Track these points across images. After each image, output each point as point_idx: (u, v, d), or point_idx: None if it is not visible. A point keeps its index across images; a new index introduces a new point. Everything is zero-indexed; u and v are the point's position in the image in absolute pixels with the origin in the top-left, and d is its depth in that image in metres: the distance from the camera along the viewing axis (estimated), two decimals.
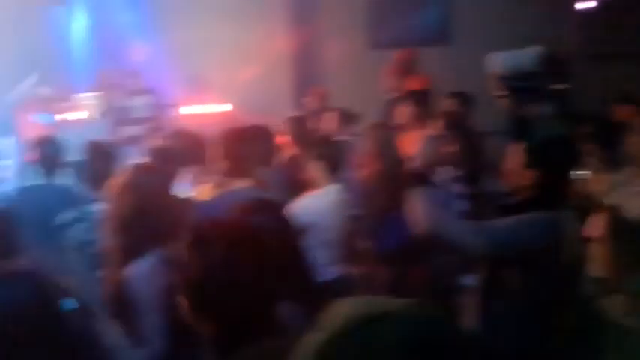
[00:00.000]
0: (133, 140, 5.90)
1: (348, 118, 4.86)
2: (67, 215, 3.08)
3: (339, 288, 2.89)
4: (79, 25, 7.82)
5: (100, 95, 6.81)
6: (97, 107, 6.71)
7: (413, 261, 3.53)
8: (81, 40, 7.79)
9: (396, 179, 3.42)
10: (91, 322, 2.05)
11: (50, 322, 1.27)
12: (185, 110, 7.04)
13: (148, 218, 2.08)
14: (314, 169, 3.15)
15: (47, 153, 3.79)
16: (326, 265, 2.86)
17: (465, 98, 5.00)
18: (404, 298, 0.76)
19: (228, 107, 7.20)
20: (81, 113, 6.60)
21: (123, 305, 2.02)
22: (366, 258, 3.69)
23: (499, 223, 2.28)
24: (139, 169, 2.24)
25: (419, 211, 2.24)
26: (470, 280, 2.88)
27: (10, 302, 1.22)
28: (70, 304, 1.34)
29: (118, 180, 2.19)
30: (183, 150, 3.09)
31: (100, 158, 3.33)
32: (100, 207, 2.97)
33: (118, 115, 6.66)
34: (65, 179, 3.84)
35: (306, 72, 7.67)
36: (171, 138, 3.28)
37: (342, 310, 0.71)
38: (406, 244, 3.21)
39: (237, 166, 2.74)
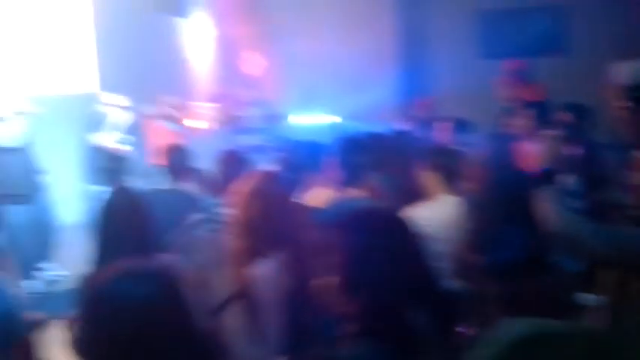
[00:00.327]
0: (249, 149, 6.17)
1: (461, 127, 4.81)
2: (193, 217, 3.28)
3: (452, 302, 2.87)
4: (199, 36, 8.29)
5: (218, 106, 7.19)
6: (214, 117, 7.09)
7: (526, 276, 3.42)
8: (201, 52, 8.26)
9: (508, 191, 3.35)
10: (215, 320, 2.19)
11: (182, 320, 1.30)
12: (297, 120, 7.25)
13: (271, 222, 2.18)
14: (429, 179, 3.15)
15: (175, 160, 4.07)
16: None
17: (581, 109, 4.80)
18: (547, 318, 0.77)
19: (337, 118, 7.34)
20: (200, 122, 6.99)
21: (246, 303, 2.14)
22: (477, 273, 3.62)
23: (627, 230, 2.18)
24: (264, 176, 2.36)
25: (546, 209, 2.18)
26: (591, 299, 2.76)
27: (144, 298, 1.25)
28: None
29: (243, 186, 2.32)
30: (303, 159, 3.21)
31: (231, 165, 3.51)
32: (225, 211, 3.16)
33: (234, 125, 7.00)
34: (189, 185, 4.11)
35: (415, 82, 7.66)
36: (291, 147, 3.42)
37: (511, 329, 0.73)
38: (520, 258, 3.12)
39: (352, 174, 2.81)
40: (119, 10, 7.21)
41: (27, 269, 5.06)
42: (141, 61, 7.24)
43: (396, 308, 1.43)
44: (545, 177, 2.52)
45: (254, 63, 8.17)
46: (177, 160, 4.01)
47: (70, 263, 5.19)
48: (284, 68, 7.90)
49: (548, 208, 2.18)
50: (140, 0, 7.18)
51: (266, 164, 3.73)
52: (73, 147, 6.57)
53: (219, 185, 3.41)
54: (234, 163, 3.49)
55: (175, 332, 1.26)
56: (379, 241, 1.45)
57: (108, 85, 7.10)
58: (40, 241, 5.28)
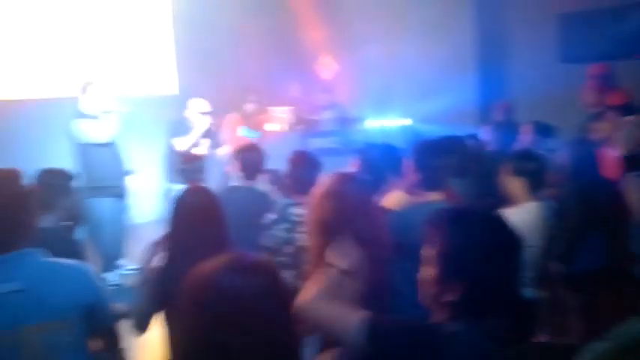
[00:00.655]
0: (323, 151, 6.21)
1: (543, 131, 4.66)
2: (268, 217, 3.33)
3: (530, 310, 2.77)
4: (275, 40, 8.40)
5: (293, 109, 7.28)
6: (289, 120, 7.19)
7: (607, 286, 3.24)
8: (277, 55, 8.37)
9: (590, 198, 3.20)
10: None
11: (282, 316, 1.31)
12: (371, 124, 7.24)
13: (347, 223, 2.18)
14: (512, 185, 3.06)
15: (249, 160, 4.14)
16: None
17: None
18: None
19: (411, 121, 7.28)
20: (276, 125, 7.10)
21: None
22: (557, 281, 3.49)
23: None
24: (341, 177, 2.35)
25: (634, 195, 2.08)
26: None
27: (250, 291, 1.26)
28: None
29: (320, 187, 2.33)
30: (379, 161, 3.19)
31: (303, 165, 3.54)
32: (299, 211, 3.18)
33: (308, 128, 7.08)
34: (263, 185, 4.17)
35: (493, 86, 7.48)
36: (367, 149, 3.40)
37: (634, 327, 0.70)
38: (600, 267, 2.98)
39: (430, 178, 2.76)
40: (197, 14, 7.44)
41: (106, 262, 5.30)
42: (219, 64, 7.44)
43: (493, 301, 1.47)
44: (630, 163, 2.39)
45: (330, 67, 8.23)
46: (252, 161, 4.07)
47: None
48: (360, 72, 7.91)
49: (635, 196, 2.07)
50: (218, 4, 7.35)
51: (341, 166, 3.74)
52: (155, 147, 6.84)
53: (291, 186, 3.44)
54: (305, 164, 3.51)
55: (274, 327, 1.27)
56: (481, 238, 1.50)
57: (186, 88, 7.35)
58: (119, 235, 5.52)
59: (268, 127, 7.01)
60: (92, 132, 5.27)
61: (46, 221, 2.77)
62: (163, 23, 7.91)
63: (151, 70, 7.78)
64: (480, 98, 7.47)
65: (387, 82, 7.70)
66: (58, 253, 2.01)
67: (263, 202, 3.78)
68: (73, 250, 2.74)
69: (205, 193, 2.64)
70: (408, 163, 2.92)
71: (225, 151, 5.87)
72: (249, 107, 6.55)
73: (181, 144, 5.83)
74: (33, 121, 6.24)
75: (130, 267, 5.38)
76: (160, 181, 6.63)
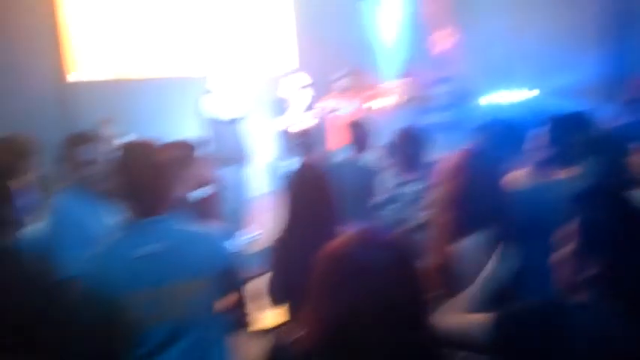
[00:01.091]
0: (437, 127, 6.09)
1: None
2: (379, 197, 3.31)
3: None
4: (387, 15, 8.32)
5: (406, 83, 7.17)
6: (402, 94, 7.09)
7: None
8: (389, 30, 8.28)
9: None
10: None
11: (414, 291, 1.29)
12: (490, 99, 6.98)
13: (475, 199, 2.13)
14: None
15: (358, 135, 4.14)
16: None
17: None
18: None
19: (533, 94, 6.93)
20: (387, 100, 7.04)
21: (447, 277, 2.11)
22: None
23: None
24: (468, 153, 2.30)
25: None
26: None
27: (386, 265, 1.25)
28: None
29: (447, 163, 2.29)
30: (503, 137, 3.07)
31: (411, 143, 3.48)
32: (412, 188, 3.14)
33: (421, 103, 6.95)
34: (372, 159, 4.15)
35: (623, 60, 6.93)
36: (491, 125, 3.28)
37: None
38: None
39: (564, 154, 2.62)
40: None
41: (230, 229, 5.56)
42: (335, 41, 7.47)
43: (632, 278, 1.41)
44: None
45: (448, 39, 7.99)
46: (360, 135, 4.07)
47: (265, 227, 5.62)
48: (480, 45, 7.62)
49: None
50: None
51: (456, 143, 3.64)
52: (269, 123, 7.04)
53: (399, 164, 3.40)
54: (412, 141, 3.44)
55: (406, 302, 1.25)
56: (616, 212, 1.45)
57: (305, 64, 7.46)
58: (242, 204, 5.79)
59: (380, 101, 6.96)
60: (218, 109, 5.59)
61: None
62: (284, 4, 8.04)
63: (271, 48, 7.96)
64: (608, 72, 6.96)
65: (510, 55, 7.36)
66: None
67: (369, 177, 3.77)
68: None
69: (315, 169, 2.67)
70: (538, 139, 2.78)
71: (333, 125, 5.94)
72: (346, 83, 6.50)
73: (281, 123, 5.99)
74: (162, 98, 6.64)
75: (250, 235, 5.60)
76: (273, 157, 6.81)
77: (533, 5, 7.25)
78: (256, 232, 5.70)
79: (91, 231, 2.32)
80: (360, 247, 1.27)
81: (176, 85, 6.91)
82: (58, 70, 6.61)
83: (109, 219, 2.36)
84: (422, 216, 2.75)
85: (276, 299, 2.56)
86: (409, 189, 3.19)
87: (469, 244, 2.08)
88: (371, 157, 4.19)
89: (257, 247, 5.28)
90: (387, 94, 7.14)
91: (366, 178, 3.81)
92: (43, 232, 2.49)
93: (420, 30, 8.16)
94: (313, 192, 2.46)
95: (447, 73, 7.17)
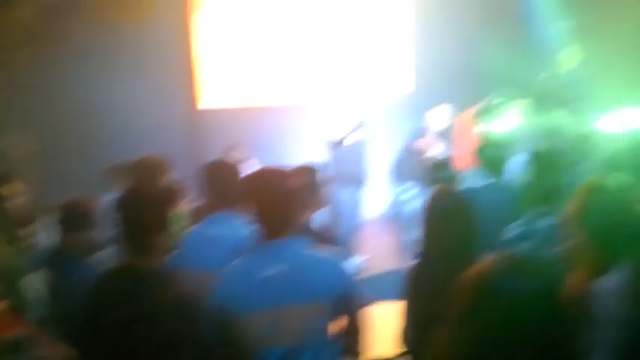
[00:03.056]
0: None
1: None
2: (513, 230, 3.09)
3: None
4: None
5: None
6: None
7: None
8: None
9: None
10: None
11: (555, 317, 1.26)
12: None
13: (620, 230, 1.98)
14: None
15: (491, 155, 3.94)
16: None
17: None
18: None
19: None
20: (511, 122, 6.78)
21: (585, 317, 1.97)
22: None
23: None
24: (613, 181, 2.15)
25: None
26: None
27: (532, 293, 1.23)
28: None
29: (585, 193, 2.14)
30: None
31: (548, 170, 3.25)
32: (548, 222, 2.91)
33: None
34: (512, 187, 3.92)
35: None
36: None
37: None
38: None
39: None
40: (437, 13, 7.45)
41: (344, 250, 5.60)
42: (454, 65, 7.37)
43: None
44: None
45: (574, 58, 7.60)
46: (494, 156, 3.90)
47: (374, 253, 5.62)
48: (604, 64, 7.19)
49: None
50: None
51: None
52: (388, 145, 7.03)
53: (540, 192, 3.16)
54: (550, 166, 3.20)
55: (549, 333, 1.23)
56: None
57: (422, 87, 7.42)
58: (356, 225, 5.85)
59: (503, 125, 6.72)
60: (338, 133, 5.76)
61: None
62: (403, 24, 8.07)
63: (389, 70, 8.01)
64: None
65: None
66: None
67: (510, 200, 3.58)
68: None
69: (456, 196, 2.65)
70: None
71: (460, 150, 5.82)
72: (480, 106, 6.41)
73: (421, 143, 5.97)
74: (282, 125, 6.90)
75: (362, 258, 5.62)
76: (389, 180, 6.78)
77: None
78: (364, 258, 5.68)
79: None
80: (507, 273, 1.26)
81: (296, 112, 7.14)
82: (190, 99, 7.08)
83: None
84: (558, 253, 2.56)
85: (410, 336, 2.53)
86: (544, 223, 2.97)
87: (610, 282, 1.92)
88: (509, 182, 3.99)
89: (365, 274, 5.28)
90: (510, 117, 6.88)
91: (507, 204, 3.62)
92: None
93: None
94: (453, 220, 2.44)
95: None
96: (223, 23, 7.40)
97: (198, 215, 3.02)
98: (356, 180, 5.87)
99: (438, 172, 4.51)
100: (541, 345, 1.21)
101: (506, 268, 1.27)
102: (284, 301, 2.00)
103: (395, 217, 6.11)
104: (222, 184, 2.70)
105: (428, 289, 2.37)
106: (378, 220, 6.53)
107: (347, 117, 5.83)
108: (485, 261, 1.31)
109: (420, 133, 6.09)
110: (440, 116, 6.10)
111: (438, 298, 2.24)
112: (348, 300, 2.16)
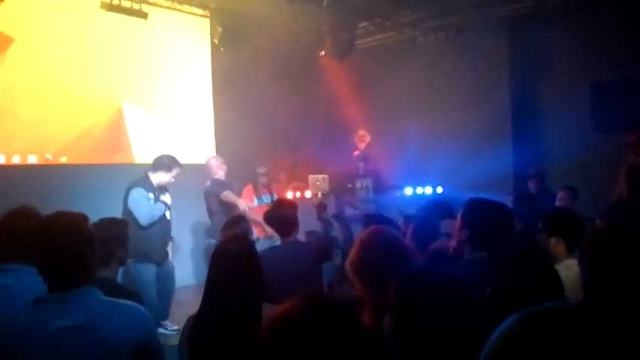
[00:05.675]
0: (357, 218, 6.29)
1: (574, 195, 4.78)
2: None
3: None
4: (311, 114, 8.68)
5: (326, 177, 7.44)
6: (324, 187, 7.32)
7: None
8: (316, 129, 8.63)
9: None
10: None
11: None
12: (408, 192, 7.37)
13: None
14: (552, 244, 3.08)
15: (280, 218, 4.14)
16: None
17: None
18: None
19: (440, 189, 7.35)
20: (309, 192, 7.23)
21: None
22: None
23: None
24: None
25: None
26: None
27: (335, 332, 1.23)
28: None
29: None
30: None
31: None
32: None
33: (344, 195, 7.21)
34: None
35: (528, 154, 7.57)
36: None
37: None
38: None
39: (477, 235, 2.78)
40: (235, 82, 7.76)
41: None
42: (256, 134, 7.70)
43: None
44: None
45: (365, 139, 8.47)
46: (283, 218, 4.10)
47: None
48: (397, 144, 8.13)
49: None
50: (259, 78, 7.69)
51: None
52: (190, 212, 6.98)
53: None
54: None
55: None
56: None
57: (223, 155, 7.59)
58: (163, 297, 5.62)
59: (300, 193, 7.16)
60: (142, 209, 5.46)
61: (104, 271, 2.88)
62: (203, 93, 8.26)
63: (192, 139, 8.07)
64: (515, 166, 7.56)
65: (424, 152, 7.87)
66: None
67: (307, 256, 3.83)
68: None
69: (243, 240, 2.67)
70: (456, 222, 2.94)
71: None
72: (261, 179, 6.83)
73: (228, 197, 6.05)
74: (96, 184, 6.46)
75: (172, 328, 5.48)
76: (199, 243, 6.75)
77: (447, 107, 7.88)
78: (174, 327, 5.53)
79: None
80: (309, 313, 1.25)
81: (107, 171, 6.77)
82: None
83: None
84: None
85: None
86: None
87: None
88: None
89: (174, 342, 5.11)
90: (311, 188, 7.34)
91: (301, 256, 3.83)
92: None
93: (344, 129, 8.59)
94: (238, 263, 2.40)
95: (367, 168, 7.48)
96: None
97: None
98: (160, 252, 5.63)
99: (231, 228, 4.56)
100: None
101: (308, 306, 1.27)
102: (78, 355, 1.89)
103: None
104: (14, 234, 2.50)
105: (201, 338, 2.35)
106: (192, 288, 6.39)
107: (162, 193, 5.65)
108: (289, 302, 1.31)
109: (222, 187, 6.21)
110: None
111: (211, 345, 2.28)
112: (152, 351, 2.09)
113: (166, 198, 5.63)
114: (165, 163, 5.63)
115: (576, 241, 3.05)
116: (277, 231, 4.08)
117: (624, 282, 1.45)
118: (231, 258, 2.41)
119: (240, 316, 2.30)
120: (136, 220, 5.30)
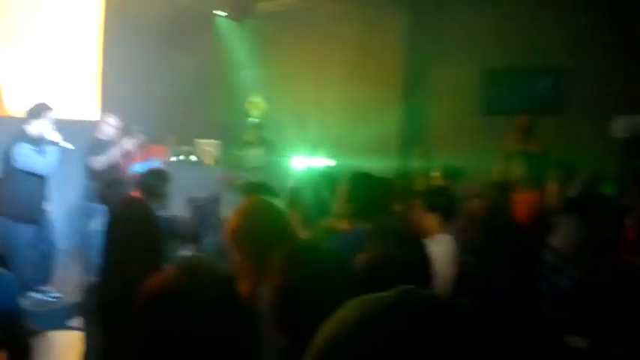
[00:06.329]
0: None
1: (455, 173, 5.05)
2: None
3: None
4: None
5: (218, 143, 7.35)
6: (215, 154, 7.23)
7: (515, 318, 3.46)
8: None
9: (506, 238, 3.43)
10: None
11: (248, 326, 1.27)
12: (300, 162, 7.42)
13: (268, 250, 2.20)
14: (426, 219, 3.22)
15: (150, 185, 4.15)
16: None
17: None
18: None
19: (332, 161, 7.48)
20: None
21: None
22: None
23: None
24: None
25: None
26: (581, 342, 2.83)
27: (213, 300, 1.20)
28: None
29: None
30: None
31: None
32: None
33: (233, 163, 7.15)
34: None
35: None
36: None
37: None
38: (509, 301, 3.18)
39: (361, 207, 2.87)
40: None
41: (26, 287, 5.04)
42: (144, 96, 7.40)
43: None
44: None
45: (259, 106, 8.36)
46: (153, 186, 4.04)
47: (65, 286, 5.22)
48: (289, 113, 8.14)
49: None
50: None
51: None
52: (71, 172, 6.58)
53: None
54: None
55: (235, 333, 1.22)
56: None
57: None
58: (41, 262, 5.32)
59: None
60: (36, 161, 5.04)
61: None
62: (90, 48, 7.79)
63: (75, 94, 7.60)
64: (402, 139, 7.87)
65: (317, 121, 7.95)
66: None
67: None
68: None
69: (140, 203, 2.61)
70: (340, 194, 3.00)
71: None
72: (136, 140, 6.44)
73: (99, 162, 5.73)
74: None
75: (51, 294, 5.22)
76: (80, 206, 6.39)
77: (341, 74, 7.98)
78: (54, 293, 5.25)
79: None
80: (186, 282, 1.21)
81: None
82: None
83: None
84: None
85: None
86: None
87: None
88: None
89: (54, 306, 4.90)
90: (204, 153, 7.23)
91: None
92: None
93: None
94: (138, 228, 2.33)
95: (259, 136, 7.42)
96: None
97: None
98: (35, 212, 5.21)
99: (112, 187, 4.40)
100: (225, 344, 1.20)
101: (187, 275, 1.24)
102: None
103: (83, 248, 5.72)
104: None
105: (107, 306, 2.26)
106: (66, 253, 6.05)
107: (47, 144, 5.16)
108: (166, 270, 1.28)
109: (97, 149, 5.91)
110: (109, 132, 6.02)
111: (117, 311, 2.22)
112: (15, 319, 1.98)
113: (54, 135, 5.17)
114: (33, 110, 5.15)
115: (450, 218, 3.23)
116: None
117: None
118: (131, 222, 2.33)
119: (143, 280, 2.22)
120: (15, 178, 4.94)
